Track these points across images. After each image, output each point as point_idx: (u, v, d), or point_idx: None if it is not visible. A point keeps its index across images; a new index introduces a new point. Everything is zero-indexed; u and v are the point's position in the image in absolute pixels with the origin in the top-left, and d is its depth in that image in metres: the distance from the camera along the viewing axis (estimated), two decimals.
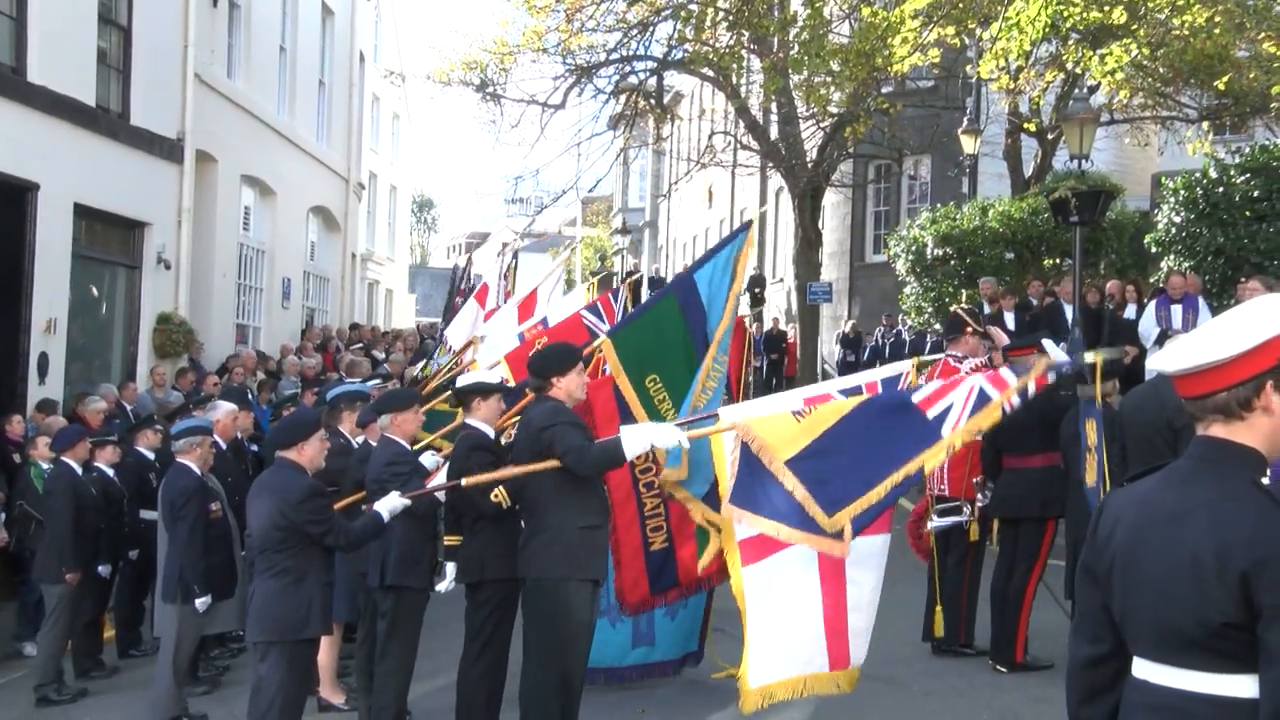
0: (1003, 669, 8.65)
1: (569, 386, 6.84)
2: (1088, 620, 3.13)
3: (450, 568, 7.40)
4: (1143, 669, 2.97)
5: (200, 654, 9.59)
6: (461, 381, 7.86)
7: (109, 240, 16.58)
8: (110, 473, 10.37)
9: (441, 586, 7.50)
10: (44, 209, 14.28)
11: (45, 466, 10.60)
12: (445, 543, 7.50)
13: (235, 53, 21.06)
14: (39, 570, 9.89)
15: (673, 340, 7.88)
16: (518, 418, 7.51)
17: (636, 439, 6.30)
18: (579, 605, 6.53)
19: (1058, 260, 18.92)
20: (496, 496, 6.99)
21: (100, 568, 10.00)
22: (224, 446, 10.20)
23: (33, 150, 14.03)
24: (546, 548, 6.53)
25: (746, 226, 8.31)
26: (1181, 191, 15.56)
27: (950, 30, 17.90)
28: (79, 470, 9.98)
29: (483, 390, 7.55)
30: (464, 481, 6.85)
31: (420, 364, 14.68)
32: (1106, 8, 15.74)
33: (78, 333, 15.68)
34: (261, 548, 7.01)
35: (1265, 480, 2.90)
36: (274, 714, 6.82)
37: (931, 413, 5.53)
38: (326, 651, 8.28)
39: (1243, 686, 2.79)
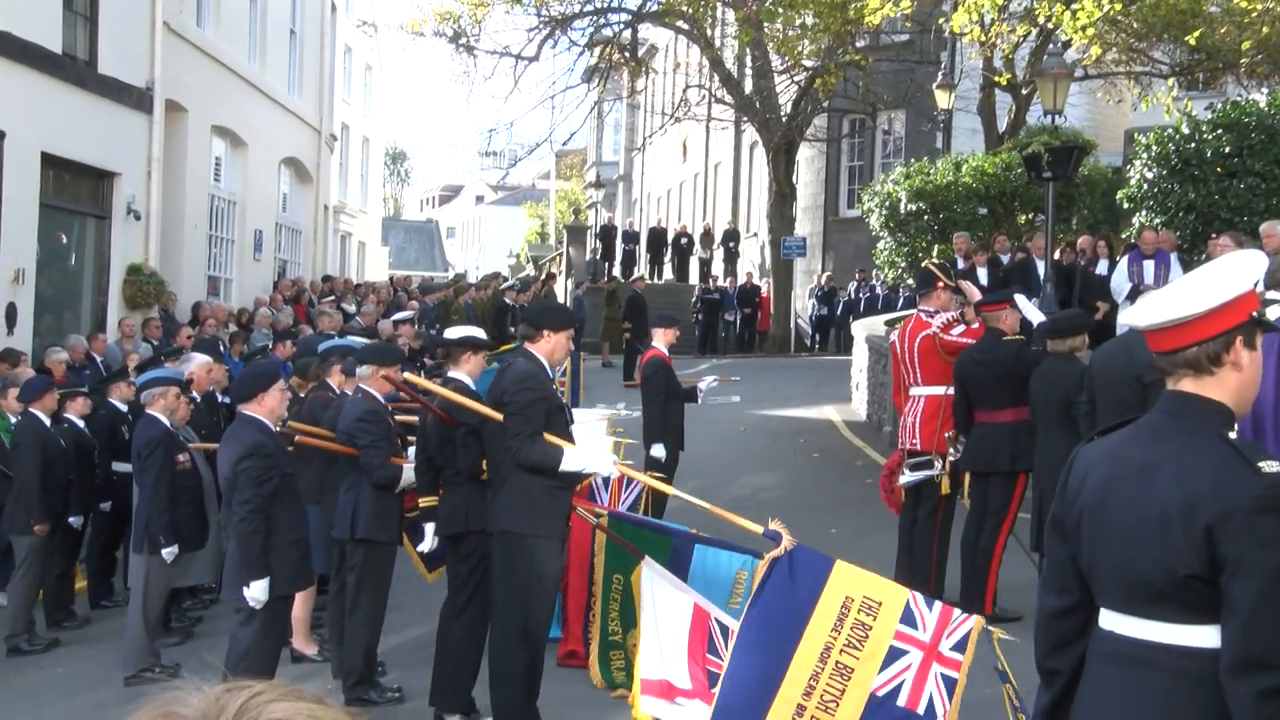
0: None
1: (554, 345, 6.82)
2: (1056, 572, 3.17)
3: (429, 528, 7.40)
4: (1109, 620, 3.01)
5: (172, 605, 9.60)
6: (451, 334, 7.85)
7: (78, 190, 16.43)
8: (80, 424, 10.31)
9: (423, 547, 7.50)
10: (10, 158, 14.12)
11: (12, 419, 10.52)
12: (421, 504, 7.49)
13: (205, 1, 20.80)
14: (8, 522, 9.83)
15: None
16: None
17: (575, 459, 6.48)
18: (544, 558, 6.52)
19: (1031, 216, 18.95)
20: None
21: (71, 519, 9.97)
22: (198, 399, 10.17)
23: None
24: (512, 503, 6.49)
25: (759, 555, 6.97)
26: (1154, 147, 15.57)
27: None
28: (47, 422, 9.92)
29: (474, 344, 7.54)
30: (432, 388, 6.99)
31: None
32: None
33: (46, 284, 15.56)
34: (228, 501, 7.06)
35: (1233, 435, 2.93)
36: (248, 665, 6.85)
37: (921, 706, 5.84)
38: (300, 604, 8.30)
39: (1206, 636, 2.84)
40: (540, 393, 6.52)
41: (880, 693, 5.85)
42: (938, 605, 6.10)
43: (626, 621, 7.64)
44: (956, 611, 6.08)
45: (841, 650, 5.84)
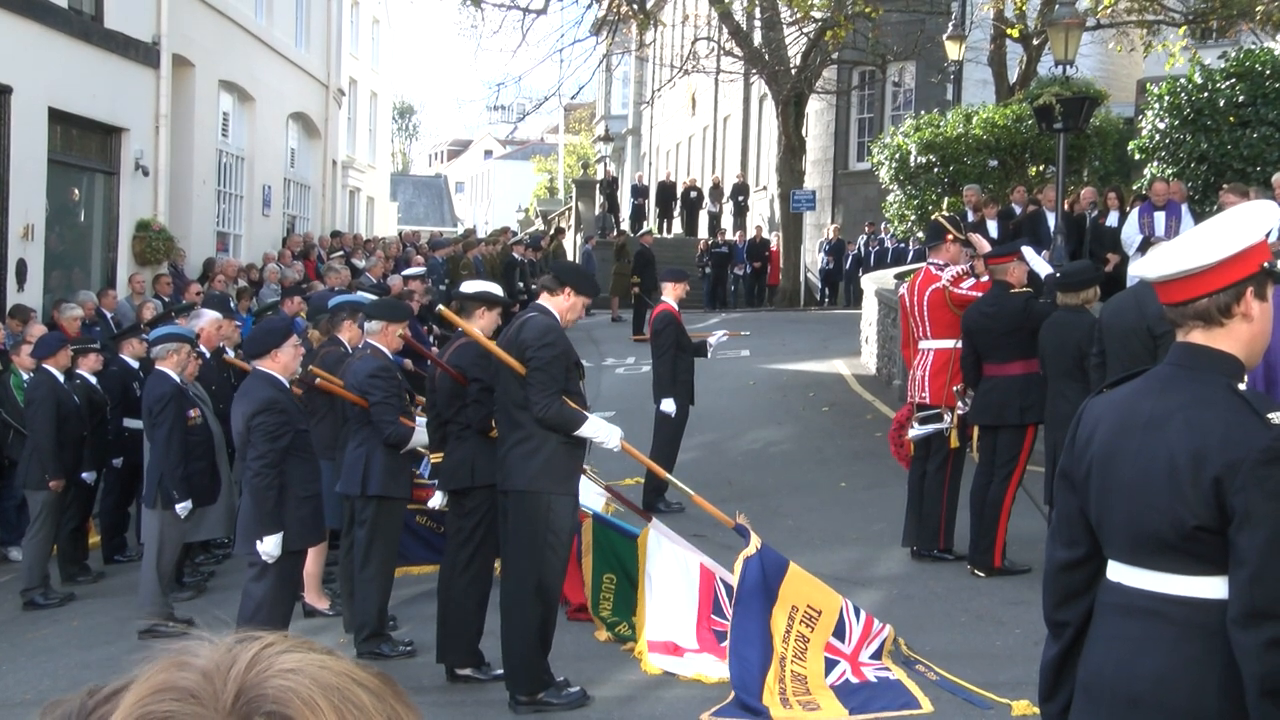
0: (980, 574, 8.75)
1: (573, 304, 6.82)
2: (1065, 524, 3.17)
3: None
4: (1117, 571, 3.01)
5: (186, 559, 9.67)
6: (468, 288, 7.81)
7: (86, 146, 16.40)
8: (93, 380, 10.36)
9: (433, 503, 7.52)
10: (18, 113, 14.09)
11: (25, 375, 10.57)
12: (431, 460, 7.50)
13: None
14: (22, 477, 9.93)
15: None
16: None
17: (591, 427, 6.61)
18: (560, 516, 6.53)
19: (1041, 167, 18.85)
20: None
21: (84, 475, 10.04)
22: (208, 355, 10.21)
23: (4, 53, 13.80)
24: (527, 460, 6.47)
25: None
26: (1166, 97, 15.45)
27: None
28: (60, 378, 9.96)
29: (488, 300, 7.50)
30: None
31: None
32: None
33: (55, 240, 15.57)
34: (241, 456, 7.10)
35: (1242, 386, 2.93)
36: (261, 619, 6.90)
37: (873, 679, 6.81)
38: (312, 559, 8.35)
39: (1213, 588, 2.84)
40: (562, 348, 6.54)
41: (835, 685, 6.62)
42: (863, 615, 6.96)
43: (621, 614, 7.73)
44: (876, 622, 6.99)
45: (792, 660, 6.62)
